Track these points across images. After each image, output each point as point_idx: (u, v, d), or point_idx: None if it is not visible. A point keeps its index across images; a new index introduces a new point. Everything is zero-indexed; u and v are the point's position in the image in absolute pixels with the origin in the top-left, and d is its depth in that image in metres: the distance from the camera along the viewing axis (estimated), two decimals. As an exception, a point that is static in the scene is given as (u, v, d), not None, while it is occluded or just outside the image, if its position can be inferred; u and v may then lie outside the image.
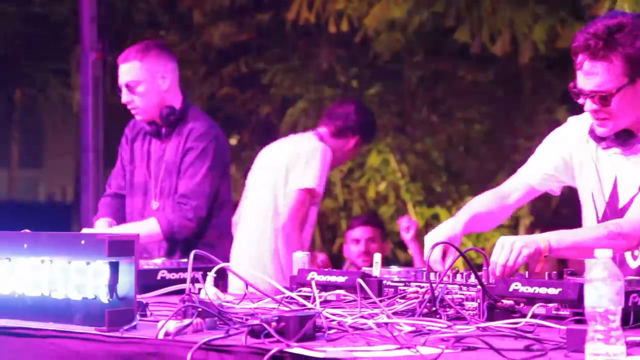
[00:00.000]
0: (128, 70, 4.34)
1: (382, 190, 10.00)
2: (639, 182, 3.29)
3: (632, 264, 3.31)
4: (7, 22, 10.48)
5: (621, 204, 3.33)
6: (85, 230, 4.24)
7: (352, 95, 9.70)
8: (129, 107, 4.37)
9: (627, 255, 3.32)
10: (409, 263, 9.84)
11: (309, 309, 2.78)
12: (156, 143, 4.43)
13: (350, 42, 8.67)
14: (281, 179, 5.27)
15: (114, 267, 2.54)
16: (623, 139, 3.26)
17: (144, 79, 4.32)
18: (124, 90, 4.35)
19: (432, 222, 10.00)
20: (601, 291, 1.99)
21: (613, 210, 3.34)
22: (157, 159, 4.41)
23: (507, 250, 2.94)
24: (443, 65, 9.19)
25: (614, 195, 3.35)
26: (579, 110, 3.42)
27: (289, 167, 5.27)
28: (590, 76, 3.15)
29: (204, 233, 4.34)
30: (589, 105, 3.19)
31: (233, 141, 10.45)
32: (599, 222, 3.37)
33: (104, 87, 7.34)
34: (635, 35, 3.10)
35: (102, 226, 4.36)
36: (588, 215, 3.45)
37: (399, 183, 9.84)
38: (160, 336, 2.44)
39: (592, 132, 3.33)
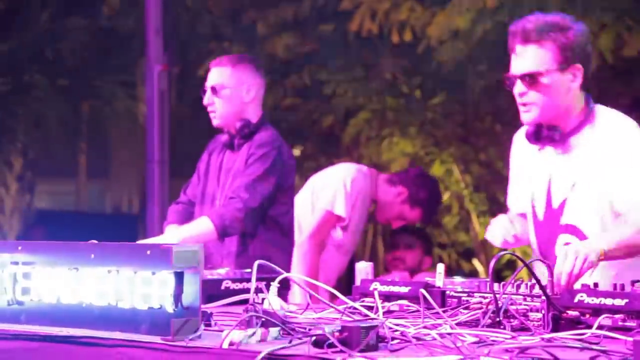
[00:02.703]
0: (218, 73, 4.46)
1: (446, 201, 9.95)
2: (572, 181, 3.39)
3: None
4: (76, 35, 10.65)
5: (555, 204, 3.43)
6: (145, 240, 4.29)
7: (416, 105, 9.69)
8: (208, 109, 4.46)
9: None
10: (472, 273, 9.79)
11: (372, 319, 2.78)
12: (229, 155, 4.50)
13: (413, 52, 8.65)
14: (308, 196, 5.34)
15: (179, 277, 2.57)
16: (554, 136, 3.40)
17: (229, 85, 4.43)
18: (208, 92, 4.46)
19: (496, 232, 9.91)
20: (668, 302, 1.96)
21: (549, 211, 3.44)
22: (227, 169, 4.47)
23: (571, 258, 2.96)
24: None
25: (548, 196, 3.45)
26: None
27: (316, 188, 5.33)
28: (521, 58, 3.33)
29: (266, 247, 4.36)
30: (518, 87, 3.34)
31: (296, 152, 10.49)
32: (538, 225, 3.49)
33: (169, 99, 7.42)
34: (568, 27, 3.32)
35: (169, 232, 4.42)
36: (529, 221, 3.55)
37: (463, 193, 9.79)
38: (225, 346, 2.46)
39: (527, 135, 3.48)
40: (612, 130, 3.38)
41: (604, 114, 3.45)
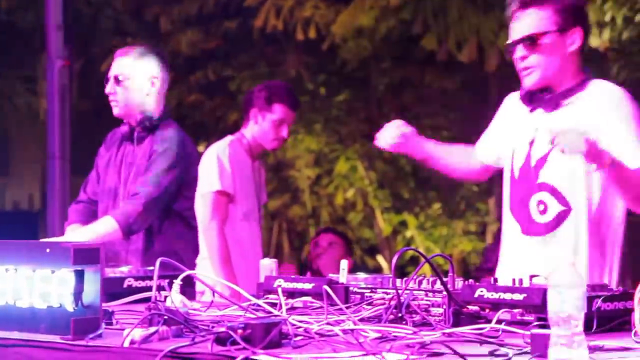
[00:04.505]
0: (122, 63, 4.43)
1: (350, 197, 10.03)
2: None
3: (540, 219, 3.41)
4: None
5: (533, 162, 3.44)
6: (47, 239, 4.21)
7: (321, 102, 9.72)
8: (110, 98, 4.42)
9: (533, 207, 3.41)
10: (377, 270, 9.88)
11: (275, 316, 2.78)
12: (129, 148, 4.46)
13: (317, 49, 8.69)
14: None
15: (79, 275, 2.53)
16: (545, 96, 3.40)
17: (132, 75, 4.40)
18: (111, 82, 4.42)
19: (400, 228, 10.03)
20: (564, 296, 2.01)
21: (526, 170, 3.45)
22: (128, 163, 4.43)
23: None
24: (410, 72, 9.23)
25: (528, 154, 3.46)
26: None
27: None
28: (520, 23, 3.37)
29: (172, 241, 4.33)
30: (518, 51, 3.37)
31: (201, 148, 10.44)
32: (514, 183, 3.49)
33: (71, 94, 7.30)
34: None
35: (71, 232, 4.35)
36: (505, 179, 3.56)
37: (367, 190, 9.88)
38: (126, 344, 2.43)
39: (522, 97, 3.48)
40: (602, 92, 3.39)
41: (599, 81, 3.45)
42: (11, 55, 10.55)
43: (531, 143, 3.46)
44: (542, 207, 3.40)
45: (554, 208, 3.38)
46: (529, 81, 3.41)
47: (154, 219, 4.29)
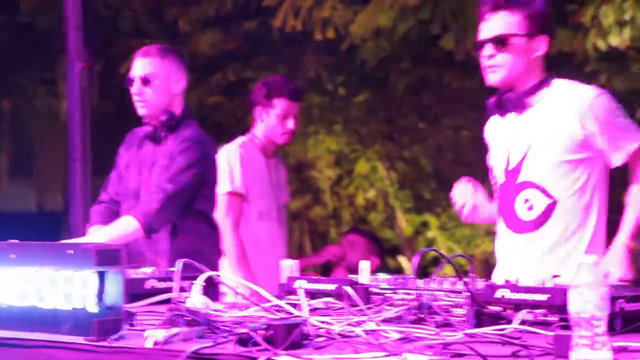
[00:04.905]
0: (148, 64, 4.45)
1: (371, 198, 10.02)
2: (528, 141, 3.57)
3: (526, 216, 3.55)
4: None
5: (512, 165, 3.61)
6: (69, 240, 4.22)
7: (340, 103, 9.71)
8: (137, 98, 4.43)
9: (519, 206, 3.56)
10: (398, 270, 9.87)
11: (297, 316, 2.78)
12: (150, 148, 4.47)
13: (336, 49, 8.68)
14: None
15: (102, 276, 2.54)
16: (511, 97, 3.57)
17: (161, 75, 4.43)
18: (137, 82, 4.43)
19: (421, 229, 10.02)
20: (586, 297, 2.00)
21: (508, 173, 3.62)
22: (150, 163, 4.44)
23: None
24: (429, 72, 9.21)
25: (507, 159, 3.64)
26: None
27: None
28: (491, 24, 3.53)
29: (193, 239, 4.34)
30: (486, 50, 3.53)
31: (221, 149, 10.45)
32: (501, 187, 3.67)
33: (91, 96, 7.32)
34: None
35: (92, 234, 4.36)
36: (496, 187, 3.72)
37: (388, 190, 9.87)
38: (148, 345, 2.44)
39: (490, 106, 3.66)
40: (568, 88, 3.55)
41: (562, 80, 3.61)
42: (31, 57, 10.59)
43: (509, 147, 3.62)
44: (528, 204, 3.55)
45: (541, 203, 3.53)
46: (493, 78, 3.56)
47: (176, 218, 4.30)
